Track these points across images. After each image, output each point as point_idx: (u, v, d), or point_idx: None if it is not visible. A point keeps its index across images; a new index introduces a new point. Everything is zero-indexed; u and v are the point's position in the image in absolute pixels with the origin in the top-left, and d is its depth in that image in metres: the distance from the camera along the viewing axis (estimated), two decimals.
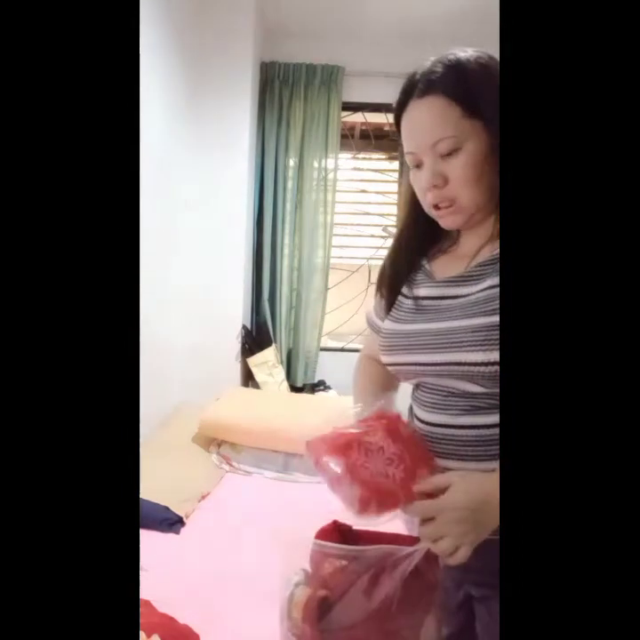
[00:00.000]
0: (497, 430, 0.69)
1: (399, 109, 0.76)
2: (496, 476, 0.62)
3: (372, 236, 3.29)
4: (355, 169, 3.32)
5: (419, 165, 0.75)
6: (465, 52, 0.73)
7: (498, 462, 0.68)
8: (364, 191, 3.28)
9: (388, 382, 0.90)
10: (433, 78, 0.72)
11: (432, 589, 0.68)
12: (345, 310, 3.24)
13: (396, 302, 0.85)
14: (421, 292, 0.82)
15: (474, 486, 0.66)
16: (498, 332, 0.67)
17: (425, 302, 0.80)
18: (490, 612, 0.75)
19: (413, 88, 0.73)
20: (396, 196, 3.19)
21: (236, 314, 2.77)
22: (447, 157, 0.72)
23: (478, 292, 0.73)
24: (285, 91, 2.91)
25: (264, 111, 2.91)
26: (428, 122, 0.72)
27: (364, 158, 3.32)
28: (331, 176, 2.99)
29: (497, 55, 0.53)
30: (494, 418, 0.70)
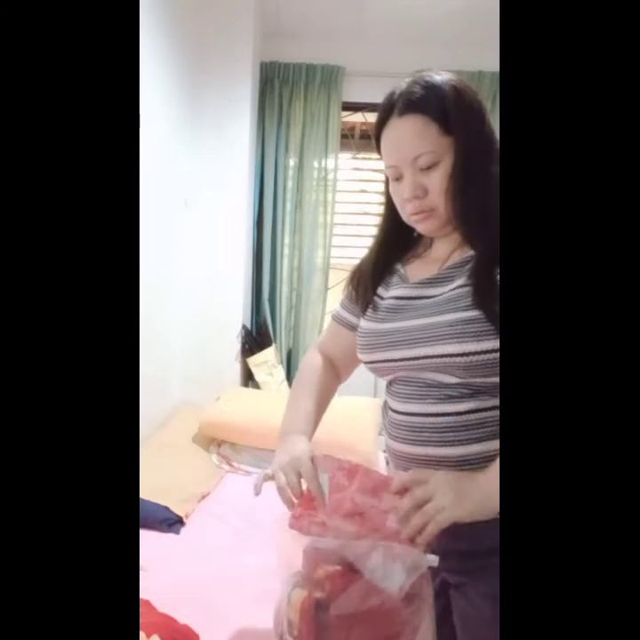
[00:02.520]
0: (468, 417, 0.75)
1: (379, 127, 0.82)
2: (470, 473, 0.72)
3: (372, 236, 3.28)
4: (355, 169, 3.31)
5: (399, 178, 0.81)
6: (439, 75, 0.79)
7: (469, 447, 0.75)
8: (363, 191, 3.28)
9: (333, 389, 1.03)
10: (412, 99, 0.77)
11: (428, 596, 0.67)
12: None
13: (373, 303, 0.90)
14: (397, 293, 0.87)
15: (451, 474, 0.72)
16: (469, 325, 0.73)
17: (401, 302, 0.85)
18: (467, 597, 0.77)
19: (393, 107, 0.79)
20: None
21: (236, 314, 2.77)
22: (427, 171, 0.78)
23: (449, 291, 0.79)
24: (285, 91, 2.91)
25: (264, 111, 2.90)
26: (408, 138, 0.78)
27: (364, 158, 3.31)
28: (331, 176, 2.99)
29: (497, 56, 0.55)
30: (466, 405, 0.75)
